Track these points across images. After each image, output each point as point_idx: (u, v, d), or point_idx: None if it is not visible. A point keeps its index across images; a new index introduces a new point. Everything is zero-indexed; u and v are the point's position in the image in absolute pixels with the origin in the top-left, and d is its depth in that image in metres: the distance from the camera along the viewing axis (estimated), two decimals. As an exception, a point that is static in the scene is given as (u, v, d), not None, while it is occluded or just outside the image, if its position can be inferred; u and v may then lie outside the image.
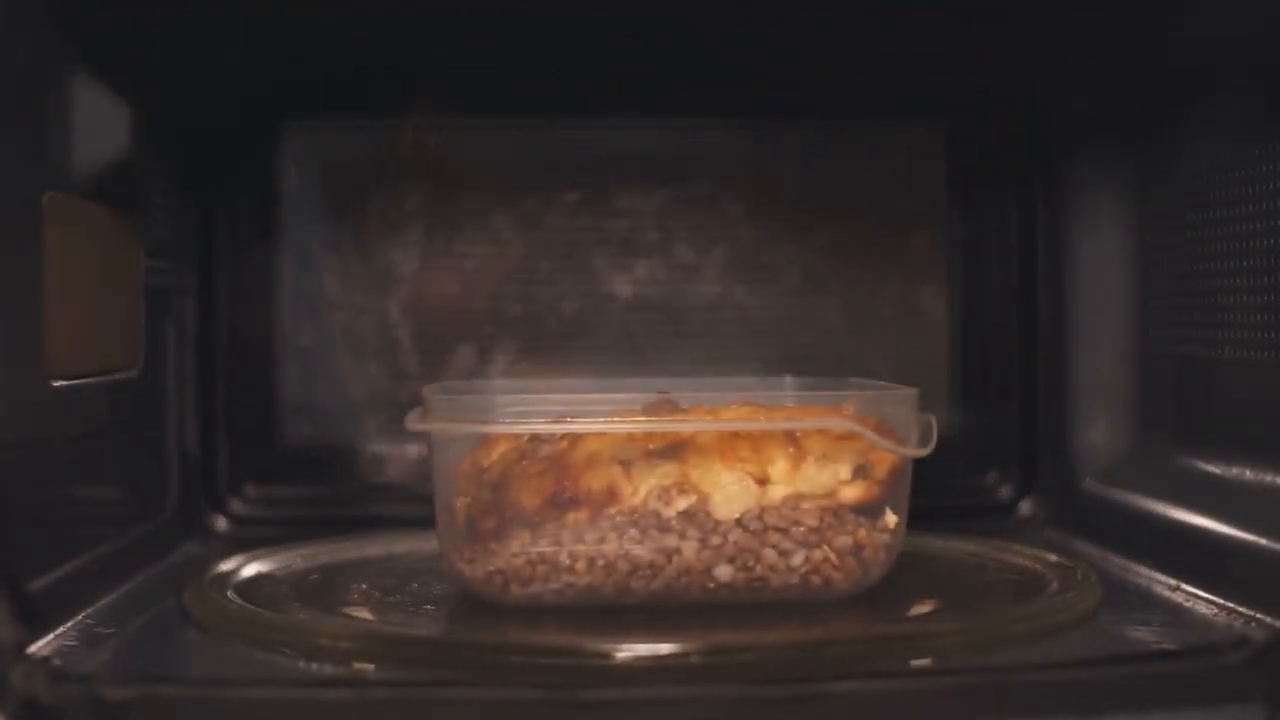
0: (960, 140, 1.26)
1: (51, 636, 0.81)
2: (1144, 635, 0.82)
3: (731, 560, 0.85)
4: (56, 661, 0.77)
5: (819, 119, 1.26)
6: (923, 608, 0.90)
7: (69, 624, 0.84)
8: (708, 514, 0.84)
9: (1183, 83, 1.01)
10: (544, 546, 0.84)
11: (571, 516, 0.84)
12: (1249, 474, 0.91)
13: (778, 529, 0.85)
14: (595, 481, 0.84)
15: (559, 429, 0.84)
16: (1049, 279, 1.19)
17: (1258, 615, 0.83)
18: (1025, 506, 1.22)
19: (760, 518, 0.85)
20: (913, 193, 1.27)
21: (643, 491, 0.84)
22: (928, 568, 0.97)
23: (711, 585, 0.85)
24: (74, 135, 0.87)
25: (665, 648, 0.73)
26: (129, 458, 1.03)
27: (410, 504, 1.16)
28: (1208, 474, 0.97)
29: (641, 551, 0.84)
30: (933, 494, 0.96)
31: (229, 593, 0.88)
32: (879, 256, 1.26)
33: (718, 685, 0.70)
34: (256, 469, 1.22)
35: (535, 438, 0.85)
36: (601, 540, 0.84)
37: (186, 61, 1.03)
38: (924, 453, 0.87)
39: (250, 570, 0.95)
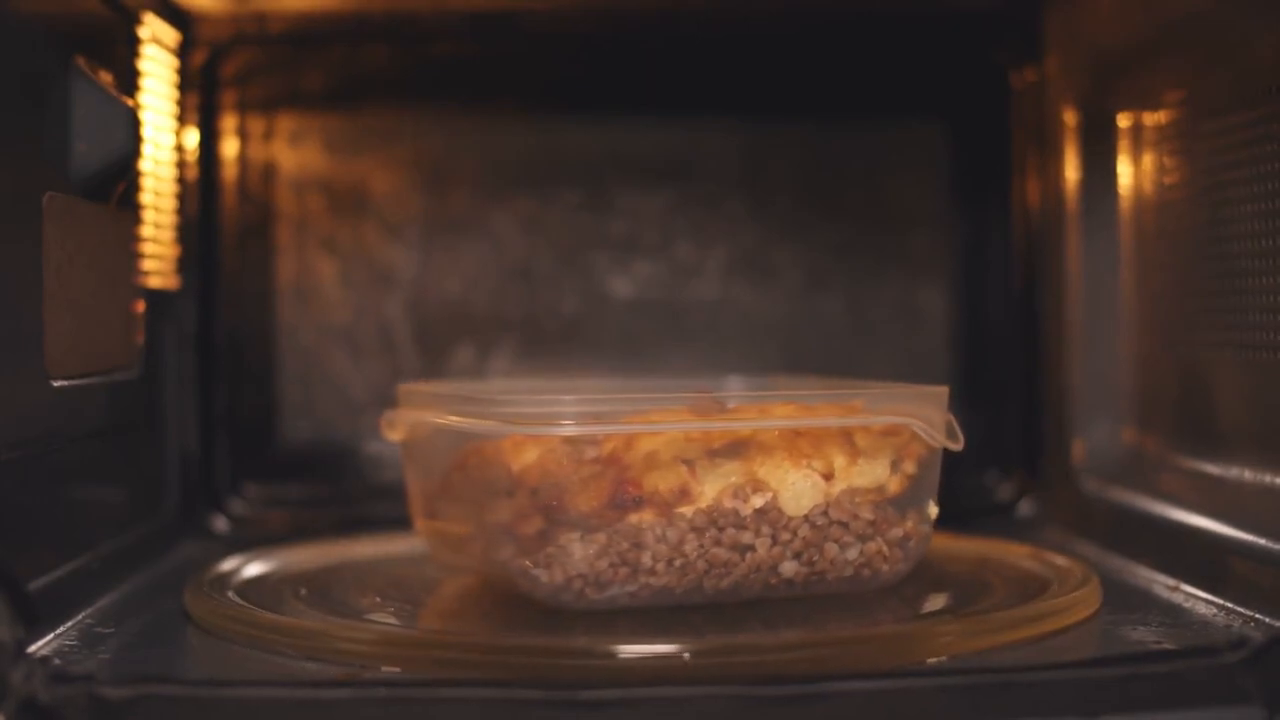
0: (960, 140, 1.26)
1: (51, 636, 0.81)
2: (1143, 635, 0.82)
3: (797, 556, 0.86)
4: (56, 661, 0.77)
5: (819, 118, 1.27)
6: (924, 607, 0.90)
7: (69, 624, 0.84)
8: (779, 511, 0.85)
9: (1179, 80, 1.01)
10: (624, 548, 0.83)
11: (635, 518, 0.83)
12: (1249, 474, 0.91)
13: (839, 523, 0.86)
14: (663, 482, 0.83)
15: (626, 429, 0.83)
16: (1049, 279, 1.19)
17: (1257, 616, 0.83)
18: (1025, 506, 1.22)
19: (825, 513, 0.86)
20: (913, 193, 1.27)
21: (709, 491, 0.85)
22: (929, 567, 0.97)
23: (774, 581, 0.86)
24: (74, 135, 0.87)
25: (665, 648, 0.73)
26: (129, 458, 1.03)
27: (410, 504, 1.16)
28: (1208, 474, 0.97)
29: (720, 550, 0.84)
30: (933, 494, 0.96)
31: (229, 593, 0.88)
32: (879, 256, 1.26)
33: (718, 685, 0.70)
34: (256, 469, 1.22)
35: (572, 439, 0.84)
36: (681, 541, 0.84)
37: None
38: (959, 446, 0.89)
39: (250, 570, 0.95)
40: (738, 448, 0.85)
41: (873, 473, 0.88)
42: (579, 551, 0.83)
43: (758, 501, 0.85)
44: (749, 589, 0.86)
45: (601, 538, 0.83)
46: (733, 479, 0.85)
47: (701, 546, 0.84)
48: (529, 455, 0.85)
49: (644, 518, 0.83)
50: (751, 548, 0.85)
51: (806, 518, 0.86)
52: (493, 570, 0.88)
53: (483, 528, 0.87)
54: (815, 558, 0.86)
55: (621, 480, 0.83)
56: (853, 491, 0.87)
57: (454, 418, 0.89)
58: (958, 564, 0.99)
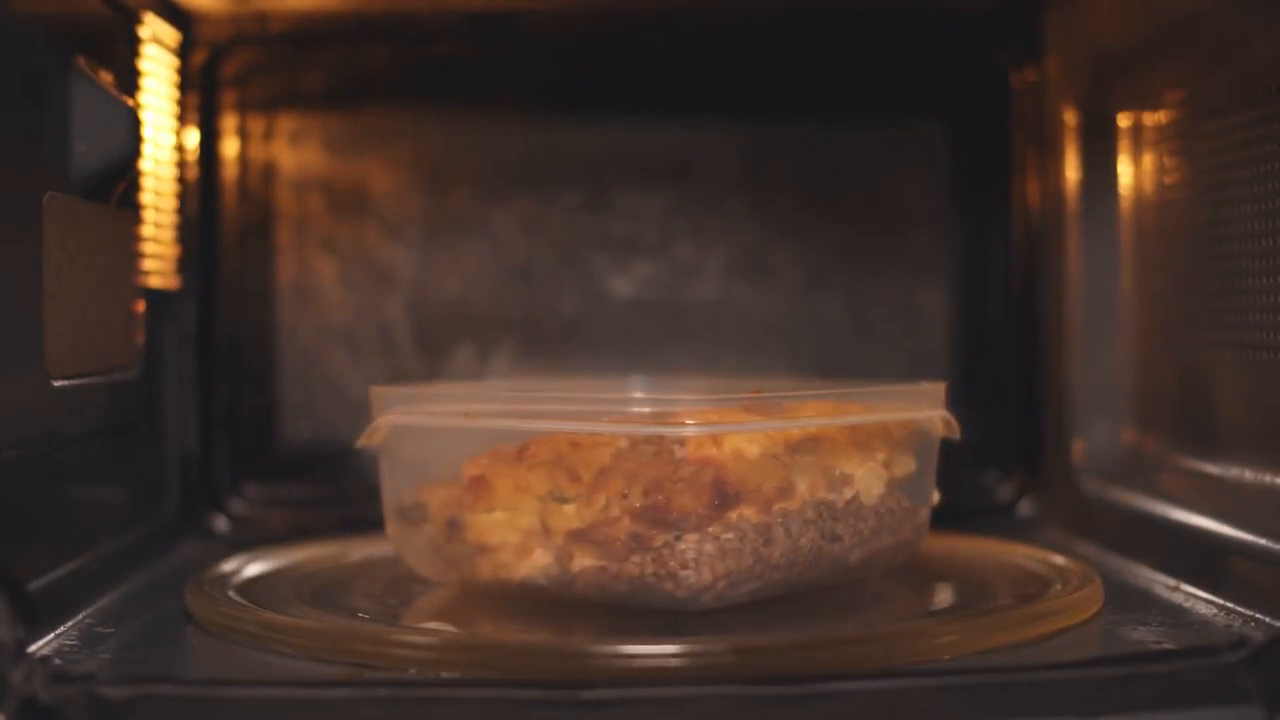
0: (960, 140, 1.26)
1: (51, 636, 0.81)
2: (1143, 635, 0.82)
3: (864, 543, 0.88)
4: (56, 661, 0.77)
5: (819, 118, 1.27)
6: (925, 607, 0.90)
7: (69, 624, 0.84)
8: (859, 501, 0.87)
9: (1179, 80, 1.01)
10: (758, 543, 0.83)
11: (734, 514, 0.83)
12: (1249, 474, 0.91)
13: (890, 511, 0.89)
14: (767, 480, 0.83)
15: (750, 427, 0.83)
16: (1049, 279, 1.19)
17: (1257, 615, 0.83)
18: (1025, 506, 1.22)
19: (884, 501, 0.89)
20: (913, 193, 1.27)
21: (799, 486, 0.85)
22: (928, 567, 0.97)
23: (842, 570, 0.88)
24: (74, 135, 0.87)
25: (665, 648, 0.73)
26: (129, 458, 1.03)
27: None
28: (1208, 474, 0.97)
29: (822, 542, 0.86)
30: (933, 494, 0.96)
31: (229, 593, 0.88)
32: (879, 256, 1.26)
33: (718, 685, 0.70)
34: (256, 469, 1.22)
35: (654, 439, 0.82)
36: (800, 534, 0.85)
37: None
38: (958, 437, 0.93)
39: (250, 570, 0.95)
40: (812, 443, 0.86)
41: (905, 463, 0.91)
42: (717, 550, 0.82)
43: (848, 493, 0.87)
44: (825, 578, 0.88)
45: (731, 536, 0.82)
46: (836, 472, 0.86)
47: (812, 539, 0.85)
48: (599, 457, 0.83)
49: (744, 514, 0.83)
50: (840, 538, 0.87)
51: (874, 507, 0.88)
52: (560, 577, 0.85)
53: (547, 535, 0.85)
54: (874, 544, 0.89)
55: (721, 479, 0.82)
56: (892, 481, 0.90)
57: (556, 420, 0.86)
58: (958, 564, 0.99)
